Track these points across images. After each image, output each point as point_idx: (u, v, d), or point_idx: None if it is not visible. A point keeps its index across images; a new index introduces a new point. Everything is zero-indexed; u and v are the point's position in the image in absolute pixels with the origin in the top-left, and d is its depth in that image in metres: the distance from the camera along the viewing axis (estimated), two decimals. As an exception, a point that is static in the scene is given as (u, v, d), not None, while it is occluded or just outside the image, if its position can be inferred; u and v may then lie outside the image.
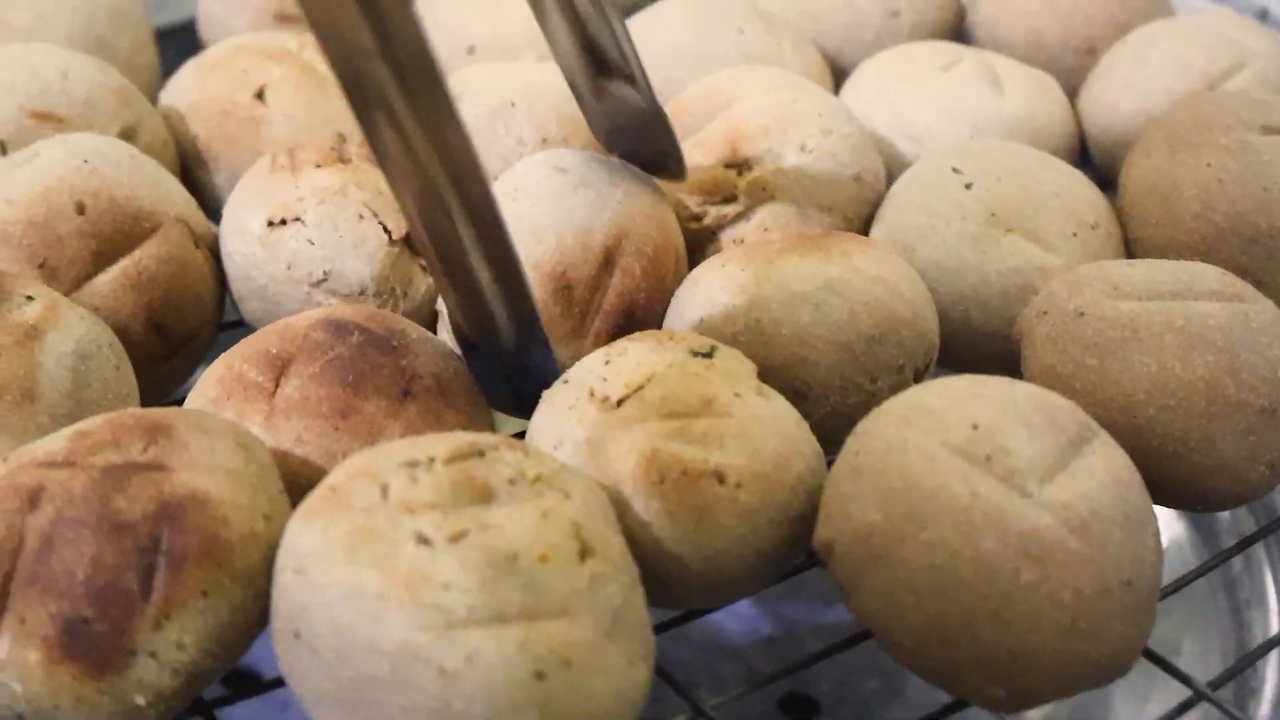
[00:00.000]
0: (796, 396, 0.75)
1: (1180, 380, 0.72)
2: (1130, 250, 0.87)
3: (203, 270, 0.84)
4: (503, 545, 0.59)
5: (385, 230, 0.82)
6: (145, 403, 0.77)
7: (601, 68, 0.79)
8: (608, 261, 0.80)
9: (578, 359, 0.74)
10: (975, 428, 0.65)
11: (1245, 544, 0.81)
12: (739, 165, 0.87)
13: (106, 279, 0.79)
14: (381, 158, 0.63)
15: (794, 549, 0.69)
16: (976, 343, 0.83)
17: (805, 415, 0.73)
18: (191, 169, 0.94)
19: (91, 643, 0.60)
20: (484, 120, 0.91)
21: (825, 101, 0.90)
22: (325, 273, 0.81)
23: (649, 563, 0.67)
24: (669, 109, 0.88)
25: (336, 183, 0.83)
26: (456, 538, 0.59)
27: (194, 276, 0.82)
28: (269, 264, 0.82)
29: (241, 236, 0.83)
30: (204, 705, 0.68)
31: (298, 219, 0.82)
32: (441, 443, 0.64)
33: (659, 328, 0.81)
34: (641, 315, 0.81)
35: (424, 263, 0.83)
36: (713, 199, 0.87)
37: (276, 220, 0.82)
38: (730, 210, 0.87)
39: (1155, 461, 0.72)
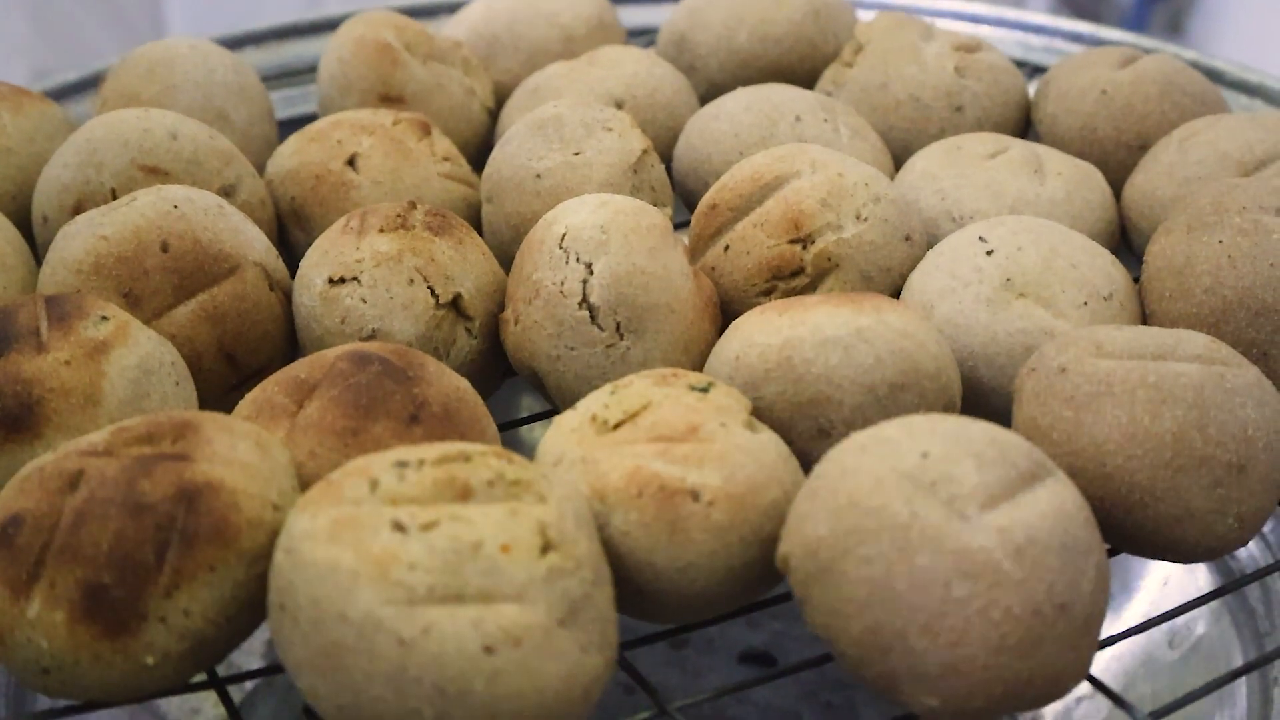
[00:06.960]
0: (820, 433, 0.80)
1: (1148, 432, 0.75)
2: (1147, 322, 0.90)
3: (275, 310, 0.91)
4: (469, 535, 0.66)
5: (433, 294, 0.89)
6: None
7: None
8: None
9: None
10: (925, 456, 0.69)
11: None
12: (803, 240, 0.93)
13: (185, 311, 0.88)
14: None
15: (767, 570, 0.74)
16: (984, 397, 0.87)
17: (824, 452, 0.77)
18: (288, 227, 1.03)
19: (109, 606, 0.67)
20: None
21: (865, 171, 0.95)
22: (374, 330, 0.88)
23: (627, 572, 0.72)
24: (719, 192, 0.96)
25: (394, 248, 0.89)
26: (428, 526, 0.66)
27: (266, 315, 0.90)
28: (326, 317, 0.89)
29: (307, 291, 0.90)
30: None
31: (355, 278, 0.89)
32: (434, 448, 0.70)
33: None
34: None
35: (468, 325, 0.91)
36: (782, 274, 0.93)
37: (336, 278, 0.89)
38: (798, 283, 0.92)
39: (1124, 509, 0.76)
